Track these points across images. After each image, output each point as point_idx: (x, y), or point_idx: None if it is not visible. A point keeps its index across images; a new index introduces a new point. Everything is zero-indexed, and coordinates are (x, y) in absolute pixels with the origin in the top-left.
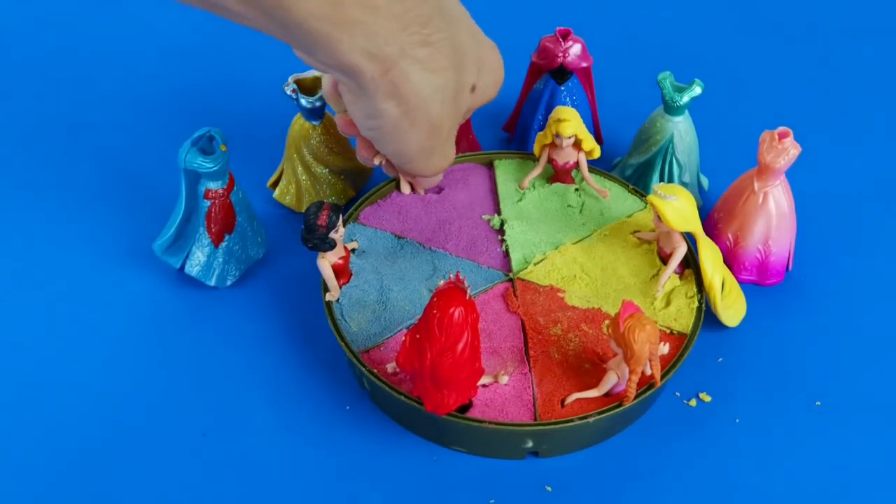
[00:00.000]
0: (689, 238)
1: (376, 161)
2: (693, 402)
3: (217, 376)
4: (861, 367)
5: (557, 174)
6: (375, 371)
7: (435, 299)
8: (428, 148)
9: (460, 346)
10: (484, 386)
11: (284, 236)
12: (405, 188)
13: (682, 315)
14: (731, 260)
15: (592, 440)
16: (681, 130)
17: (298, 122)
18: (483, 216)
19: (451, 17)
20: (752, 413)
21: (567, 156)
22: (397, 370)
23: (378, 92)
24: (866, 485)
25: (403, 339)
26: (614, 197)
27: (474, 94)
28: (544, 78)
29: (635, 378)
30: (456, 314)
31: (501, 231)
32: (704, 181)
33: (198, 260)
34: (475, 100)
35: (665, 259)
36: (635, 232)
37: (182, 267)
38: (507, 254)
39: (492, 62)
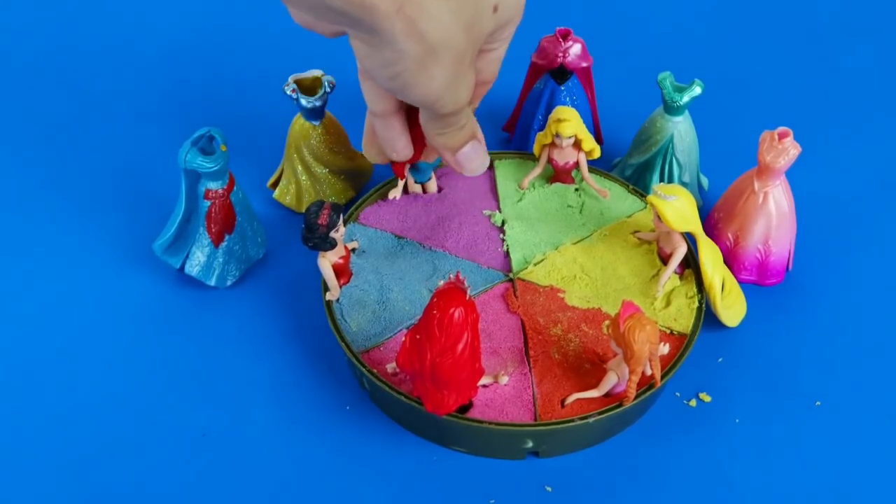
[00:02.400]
0: (689, 238)
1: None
2: (693, 403)
3: (217, 376)
4: (860, 367)
5: (557, 174)
6: (375, 371)
7: (435, 300)
8: (453, 78)
9: (460, 346)
10: (484, 386)
11: (284, 236)
12: (396, 192)
13: (682, 315)
14: (731, 260)
15: (592, 440)
16: (681, 130)
17: (298, 122)
18: (484, 211)
19: None
20: (752, 413)
21: (567, 156)
22: (397, 370)
23: (395, 31)
24: (866, 485)
25: (403, 339)
26: (614, 197)
27: (498, 15)
28: (544, 78)
29: (635, 378)
30: (456, 314)
31: (502, 228)
32: (704, 181)
33: (198, 260)
34: (500, 20)
35: (665, 259)
36: (635, 232)
37: (182, 267)
38: (507, 254)
39: None
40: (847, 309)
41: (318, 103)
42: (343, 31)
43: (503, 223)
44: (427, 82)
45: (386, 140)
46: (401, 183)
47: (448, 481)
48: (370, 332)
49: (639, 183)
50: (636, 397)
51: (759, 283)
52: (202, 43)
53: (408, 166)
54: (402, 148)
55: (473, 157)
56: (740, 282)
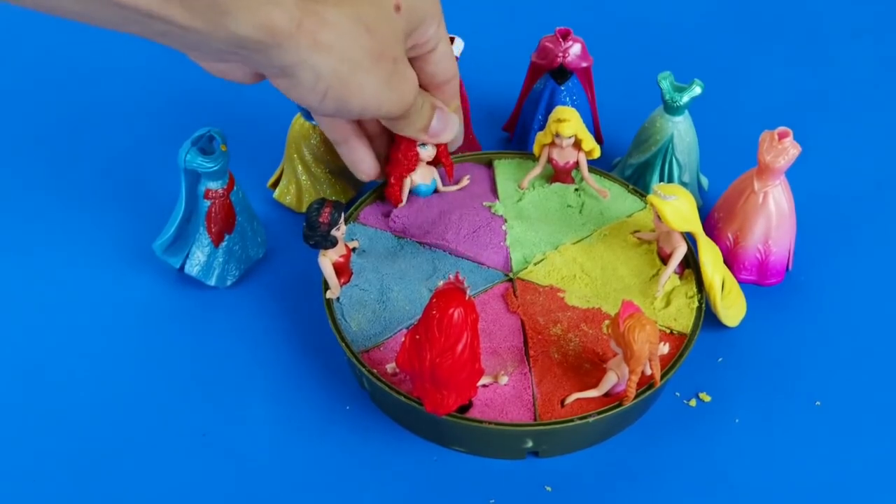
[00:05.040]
0: (689, 238)
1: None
2: (693, 402)
3: (217, 376)
4: (861, 367)
5: (557, 174)
6: (375, 371)
7: (434, 300)
8: (384, 79)
9: (460, 346)
10: (484, 386)
11: (284, 236)
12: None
13: (682, 315)
14: (731, 260)
15: (592, 440)
16: (681, 130)
17: (298, 122)
18: (484, 203)
19: None
20: (751, 413)
21: (567, 156)
22: (397, 370)
23: (301, 48)
24: (866, 485)
25: (403, 339)
26: (614, 197)
27: (406, 14)
28: (544, 78)
29: (635, 378)
30: (455, 315)
31: (504, 218)
32: (704, 181)
33: (198, 260)
34: (411, 19)
35: (665, 259)
36: (635, 232)
37: (182, 267)
38: (508, 246)
39: None
40: (847, 309)
41: None
42: (259, 73)
43: (504, 217)
44: (359, 92)
45: (351, 163)
46: (400, 206)
47: (448, 481)
48: (370, 332)
49: (639, 183)
50: (636, 397)
51: (759, 283)
52: None
53: (407, 187)
54: (367, 168)
55: (443, 125)
56: (740, 282)
